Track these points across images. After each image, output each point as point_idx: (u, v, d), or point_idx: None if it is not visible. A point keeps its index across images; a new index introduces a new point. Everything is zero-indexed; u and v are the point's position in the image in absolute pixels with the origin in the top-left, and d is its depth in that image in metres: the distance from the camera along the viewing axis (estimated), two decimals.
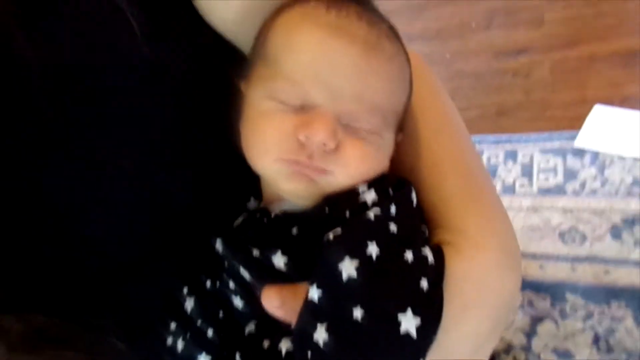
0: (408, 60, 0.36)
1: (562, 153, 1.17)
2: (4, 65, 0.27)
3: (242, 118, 0.35)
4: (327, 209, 0.32)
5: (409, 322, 0.27)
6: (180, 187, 0.35)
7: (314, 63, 0.31)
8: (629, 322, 0.91)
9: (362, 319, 0.27)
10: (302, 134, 0.30)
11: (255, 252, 0.32)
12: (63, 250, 0.32)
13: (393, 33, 0.35)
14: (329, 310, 0.28)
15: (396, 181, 0.34)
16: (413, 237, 0.31)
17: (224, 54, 0.37)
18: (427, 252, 0.31)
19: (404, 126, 0.37)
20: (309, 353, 0.28)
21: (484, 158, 1.25)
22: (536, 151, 1.20)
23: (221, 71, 0.37)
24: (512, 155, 1.22)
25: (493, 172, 1.21)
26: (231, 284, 0.35)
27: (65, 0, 0.28)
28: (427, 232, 0.34)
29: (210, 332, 0.35)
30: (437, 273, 0.30)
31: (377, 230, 0.30)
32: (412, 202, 0.34)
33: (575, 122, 1.18)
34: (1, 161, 0.29)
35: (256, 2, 0.34)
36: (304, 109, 0.31)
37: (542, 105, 1.28)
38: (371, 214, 0.30)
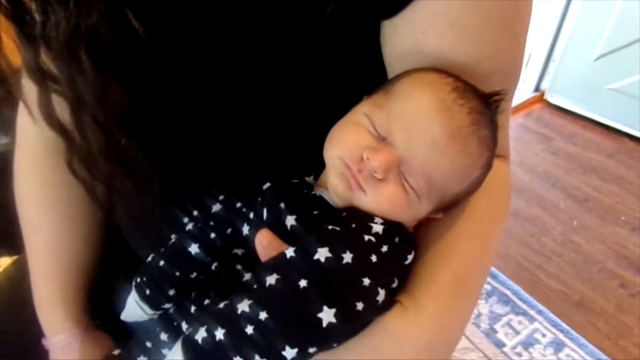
0: (486, 167, 0.41)
1: None
2: None
3: (344, 116, 0.43)
4: (344, 213, 0.39)
5: (327, 316, 0.34)
6: (285, 131, 0.45)
7: (413, 119, 0.38)
8: None
9: (304, 287, 0.34)
10: (367, 154, 0.38)
11: (282, 205, 0.41)
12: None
13: (490, 141, 0.40)
14: (288, 267, 0.35)
15: (407, 237, 0.40)
16: (381, 275, 0.37)
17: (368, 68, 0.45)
18: (382, 292, 0.36)
19: (447, 210, 0.43)
20: (256, 287, 0.36)
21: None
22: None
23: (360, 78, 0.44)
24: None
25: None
26: (251, 215, 0.43)
27: None
28: (396, 285, 0.39)
29: (213, 235, 0.45)
30: (378, 312, 0.37)
31: (360, 249, 0.36)
32: (405, 259, 0.39)
33: None
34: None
35: (419, 54, 0.40)
36: (383, 141, 0.39)
37: None
38: (366, 237, 0.37)
